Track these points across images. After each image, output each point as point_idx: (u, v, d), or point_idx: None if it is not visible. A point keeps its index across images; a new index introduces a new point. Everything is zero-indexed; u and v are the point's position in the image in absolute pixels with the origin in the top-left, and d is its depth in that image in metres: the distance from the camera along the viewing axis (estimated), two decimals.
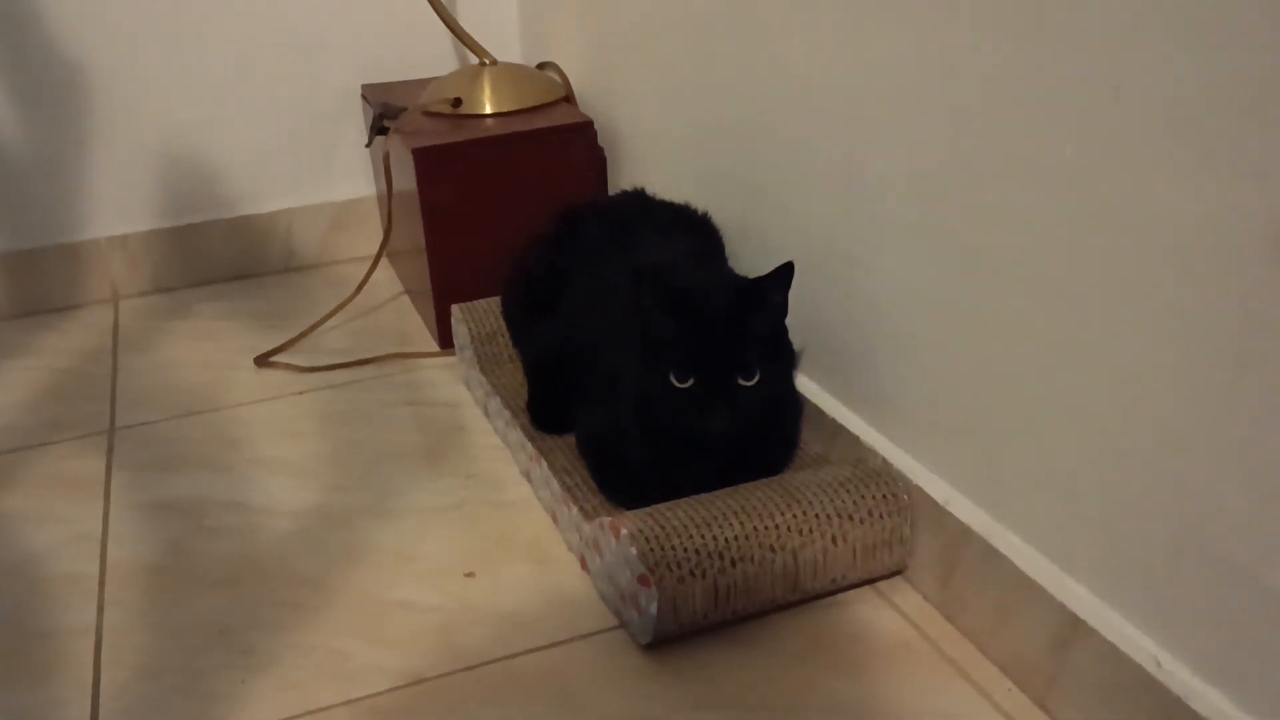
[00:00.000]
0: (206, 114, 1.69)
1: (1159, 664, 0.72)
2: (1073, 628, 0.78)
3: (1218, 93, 0.61)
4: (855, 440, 1.02)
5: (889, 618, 0.95)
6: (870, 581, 0.98)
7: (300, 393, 1.40)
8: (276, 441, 1.29)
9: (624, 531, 0.90)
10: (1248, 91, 0.60)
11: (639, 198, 1.28)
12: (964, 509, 0.90)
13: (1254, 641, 0.66)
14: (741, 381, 0.93)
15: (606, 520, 0.94)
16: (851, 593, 0.98)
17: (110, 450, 1.29)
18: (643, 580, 0.89)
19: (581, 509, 1.02)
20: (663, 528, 0.91)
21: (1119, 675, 0.75)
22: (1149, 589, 0.73)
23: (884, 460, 0.98)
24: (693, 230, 1.19)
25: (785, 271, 0.96)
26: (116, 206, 1.70)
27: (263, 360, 1.48)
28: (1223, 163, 0.62)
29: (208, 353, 1.54)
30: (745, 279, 0.99)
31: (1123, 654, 0.74)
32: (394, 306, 1.66)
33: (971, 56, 0.80)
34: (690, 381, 0.93)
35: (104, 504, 1.18)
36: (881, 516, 0.95)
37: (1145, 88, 0.66)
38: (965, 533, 0.89)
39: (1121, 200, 0.69)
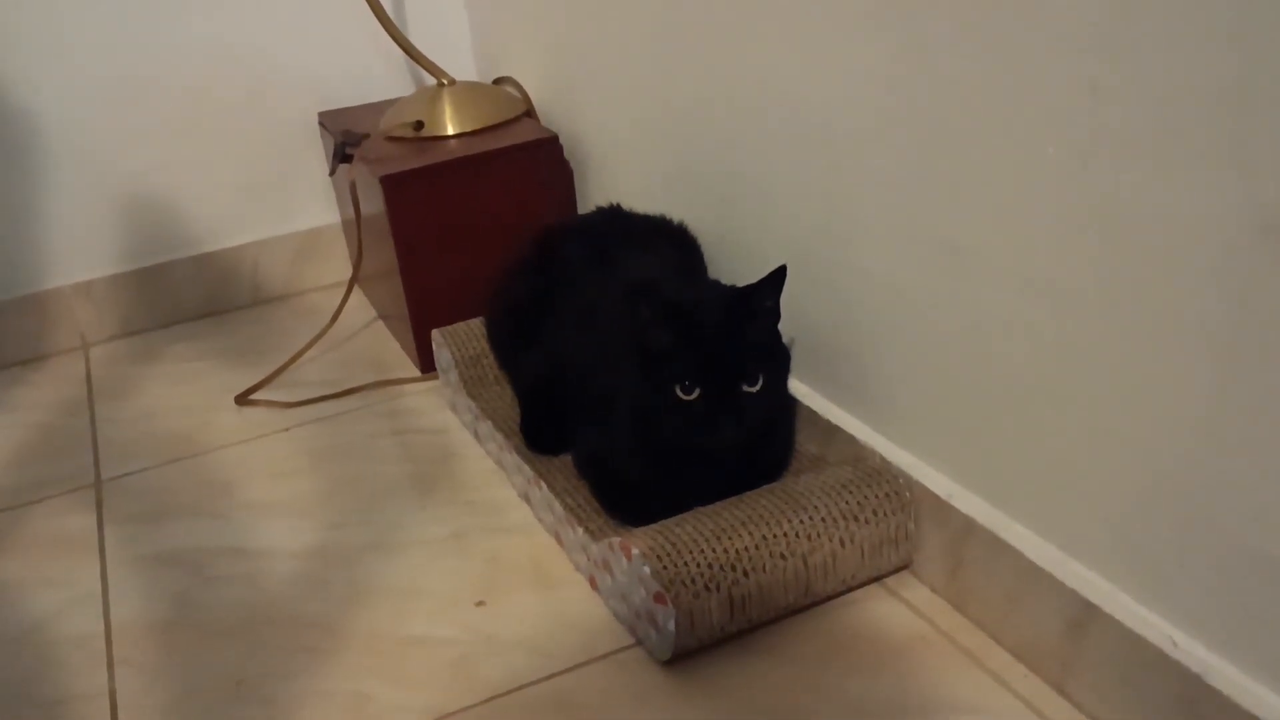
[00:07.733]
0: (163, 155, 1.67)
1: (1175, 643, 0.74)
2: (1086, 612, 0.80)
3: (1194, 86, 0.63)
4: (851, 439, 1.04)
5: (900, 613, 0.96)
6: (879, 578, 1.00)
7: (285, 429, 1.39)
8: (268, 482, 1.28)
9: (636, 551, 0.91)
10: (1223, 82, 0.61)
11: (614, 213, 1.28)
12: (967, 502, 0.91)
13: (1265, 614, 0.68)
14: (746, 389, 0.94)
15: (616, 540, 0.94)
16: (861, 591, 0.99)
17: (100, 504, 1.27)
18: (659, 598, 0.89)
19: (587, 529, 1.03)
20: (674, 544, 0.91)
21: (1135, 656, 0.76)
22: (1159, 570, 0.75)
23: (882, 458, 1.00)
24: (672, 242, 1.20)
25: (778, 276, 0.97)
26: (79, 253, 1.67)
27: (243, 399, 1.47)
28: (1205, 155, 0.63)
29: (186, 395, 1.52)
30: (738, 287, 0.99)
31: (1138, 635, 0.76)
32: (369, 333, 1.65)
33: (948, 57, 0.81)
34: (696, 393, 0.93)
35: (100, 561, 1.16)
36: (885, 515, 0.96)
37: (1121, 84, 0.67)
38: (970, 525, 0.90)
39: (1108, 197, 0.71)
